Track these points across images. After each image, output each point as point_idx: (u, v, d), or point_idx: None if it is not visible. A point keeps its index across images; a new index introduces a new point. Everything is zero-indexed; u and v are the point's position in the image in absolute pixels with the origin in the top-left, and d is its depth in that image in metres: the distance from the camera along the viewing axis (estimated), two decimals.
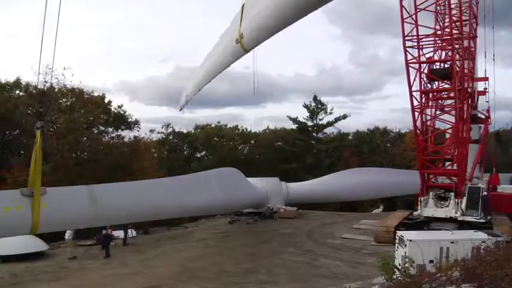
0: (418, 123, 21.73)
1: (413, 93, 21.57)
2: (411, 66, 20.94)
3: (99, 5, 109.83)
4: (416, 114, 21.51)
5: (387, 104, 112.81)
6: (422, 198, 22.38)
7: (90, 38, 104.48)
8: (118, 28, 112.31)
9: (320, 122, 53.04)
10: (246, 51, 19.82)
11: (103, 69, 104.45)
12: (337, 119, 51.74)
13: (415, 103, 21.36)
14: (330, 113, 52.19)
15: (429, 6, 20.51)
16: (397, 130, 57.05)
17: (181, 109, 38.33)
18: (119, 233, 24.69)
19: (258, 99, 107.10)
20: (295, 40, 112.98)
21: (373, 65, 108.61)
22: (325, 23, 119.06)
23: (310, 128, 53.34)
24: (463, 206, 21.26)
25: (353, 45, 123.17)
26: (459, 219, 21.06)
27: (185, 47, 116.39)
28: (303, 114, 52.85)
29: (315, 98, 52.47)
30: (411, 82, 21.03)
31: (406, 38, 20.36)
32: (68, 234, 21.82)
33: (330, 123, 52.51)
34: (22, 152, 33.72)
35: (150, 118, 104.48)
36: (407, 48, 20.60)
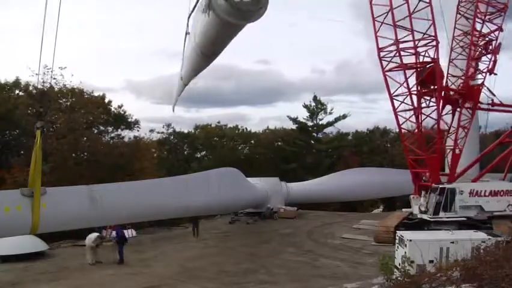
0: (405, 126, 23.00)
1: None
2: (388, 76, 22.29)
3: (100, 4, 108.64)
4: (401, 119, 22.93)
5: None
6: (412, 197, 22.87)
7: (93, 38, 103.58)
8: (121, 26, 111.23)
9: (320, 122, 53.14)
10: (186, 85, 23.13)
11: (108, 69, 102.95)
12: (337, 119, 51.80)
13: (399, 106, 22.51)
14: (330, 113, 52.29)
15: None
16: (397, 130, 56.98)
17: (173, 110, 38.82)
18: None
19: (269, 99, 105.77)
20: (316, 36, 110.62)
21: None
22: (349, 17, 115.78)
23: (310, 128, 53.38)
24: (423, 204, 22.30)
25: (375, 42, 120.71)
26: (418, 216, 22.17)
27: None
28: (303, 114, 52.97)
29: (315, 98, 52.55)
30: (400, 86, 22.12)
31: (381, 50, 22.04)
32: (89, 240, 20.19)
33: (330, 123, 52.59)
34: (22, 152, 33.67)
35: (159, 118, 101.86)
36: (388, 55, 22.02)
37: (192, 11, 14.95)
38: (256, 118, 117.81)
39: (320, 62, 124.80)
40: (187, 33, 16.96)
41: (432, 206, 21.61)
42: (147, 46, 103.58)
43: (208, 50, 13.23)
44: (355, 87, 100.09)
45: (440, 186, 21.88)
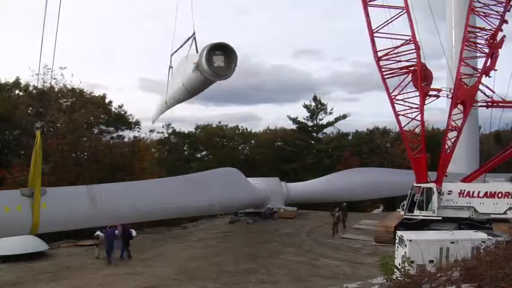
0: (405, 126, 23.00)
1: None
2: (386, 78, 22.52)
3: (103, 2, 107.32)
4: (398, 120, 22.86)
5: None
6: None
7: (104, 36, 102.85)
8: (129, 25, 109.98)
9: (320, 122, 53.17)
10: (169, 108, 25.09)
11: (123, 68, 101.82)
12: (337, 119, 51.87)
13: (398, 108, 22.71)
14: (330, 113, 52.36)
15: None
16: (397, 130, 57.00)
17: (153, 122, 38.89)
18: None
19: (294, 96, 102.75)
20: (359, 26, 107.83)
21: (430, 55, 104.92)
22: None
23: (310, 128, 53.42)
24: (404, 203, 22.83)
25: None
26: (404, 216, 22.67)
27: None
28: (304, 114, 53.02)
29: (315, 98, 52.63)
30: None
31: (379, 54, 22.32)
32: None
33: (330, 123, 52.64)
34: (22, 152, 33.70)
35: (175, 117, 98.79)
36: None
37: (176, 51, 19.26)
38: (270, 117, 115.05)
39: (359, 54, 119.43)
40: (170, 67, 20.60)
41: (407, 203, 22.15)
42: (162, 42, 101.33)
43: (193, 90, 17.83)
44: (392, 83, 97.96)
45: (416, 185, 22.21)
